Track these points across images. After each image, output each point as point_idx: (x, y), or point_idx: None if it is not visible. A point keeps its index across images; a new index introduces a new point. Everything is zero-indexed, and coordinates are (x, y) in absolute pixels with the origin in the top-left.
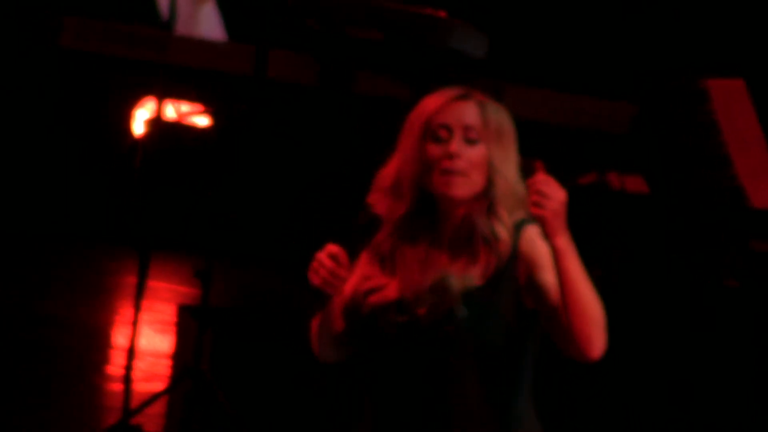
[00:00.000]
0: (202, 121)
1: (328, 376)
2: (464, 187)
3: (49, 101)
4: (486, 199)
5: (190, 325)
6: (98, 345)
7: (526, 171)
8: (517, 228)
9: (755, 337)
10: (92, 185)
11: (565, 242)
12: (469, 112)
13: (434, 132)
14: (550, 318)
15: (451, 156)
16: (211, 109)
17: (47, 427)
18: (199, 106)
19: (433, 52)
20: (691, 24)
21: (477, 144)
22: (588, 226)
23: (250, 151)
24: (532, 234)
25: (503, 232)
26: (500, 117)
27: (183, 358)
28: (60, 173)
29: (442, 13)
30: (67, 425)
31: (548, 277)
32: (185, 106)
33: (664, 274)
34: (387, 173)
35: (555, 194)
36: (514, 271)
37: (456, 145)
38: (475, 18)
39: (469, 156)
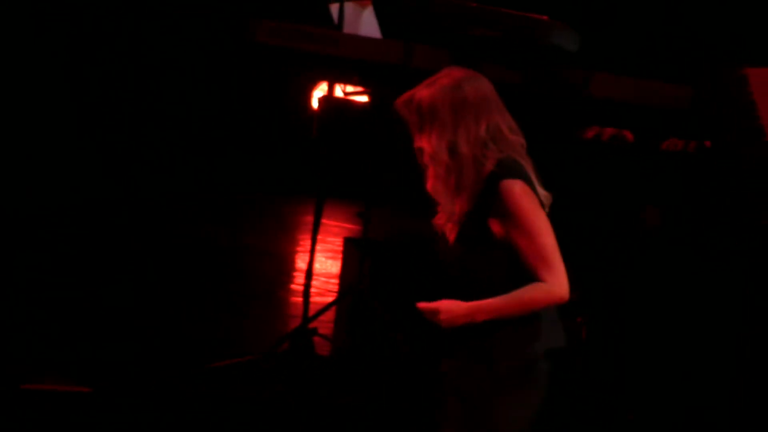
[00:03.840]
0: (363, 99)
1: None
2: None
3: (250, 85)
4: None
5: (354, 254)
6: (285, 268)
7: (618, 140)
8: (494, 180)
9: None
10: (283, 148)
11: (483, 315)
12: (406, 111)
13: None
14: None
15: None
16: (369, 90)
17: (248, 330)
18: (360, 88)
19: (538, 47)
20: (735, 25)
21: (424, 132)
22: (656, 180)
23: (399, 123)
24: (507, 194)
25: (448, 195)
26: (431, 95)
27: (348, 279)
28: (259, 140)
29: (545, 17)
30: (262, 328)
31: (514, 237)
32: (350, 88)
33: (716, 216)
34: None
35: (437, 317)
36: (489, 214)
37: (417, 140)
38: (569, 19)
39: (422, 146)
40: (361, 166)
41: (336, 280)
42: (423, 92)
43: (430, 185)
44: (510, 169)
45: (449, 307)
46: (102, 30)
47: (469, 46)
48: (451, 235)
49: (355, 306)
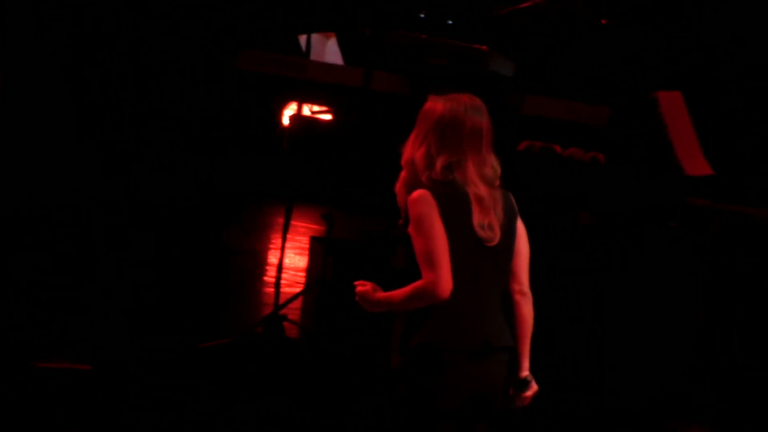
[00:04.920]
0: (327, 117)
1: None
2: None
3: (232, 104)
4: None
5: (319, 251)
6: (259, 263)
7: (547, 153)
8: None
9: (687, 256)
10: (258, 158)
11: (383, 305)
12: None
13: None
14: None
15: None
16: (333, 110)
17: (228, 315)
18: (325, 108)
19: (479, 72)
20: (648, 53)
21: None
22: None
23: (360, 137)
24: (410, 203)
25: (401, 197)
26: (425, 107)
27: (313, 272)
28: (237, 151)
29: (485, 47)
30: (239, 314)
31: (412, 237)
32: (316, 107)
33: (632, 218)
34: None
35: (360, 300)
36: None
37: None
38: (506, 49)
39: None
40: (326, 174)
41: (303, 274)
42: (426, 103)
43: (396, 186)
44: (431, 185)
45: (367, 292)
46: (102, 30)
47: (420, 72)
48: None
49: (320, 296)
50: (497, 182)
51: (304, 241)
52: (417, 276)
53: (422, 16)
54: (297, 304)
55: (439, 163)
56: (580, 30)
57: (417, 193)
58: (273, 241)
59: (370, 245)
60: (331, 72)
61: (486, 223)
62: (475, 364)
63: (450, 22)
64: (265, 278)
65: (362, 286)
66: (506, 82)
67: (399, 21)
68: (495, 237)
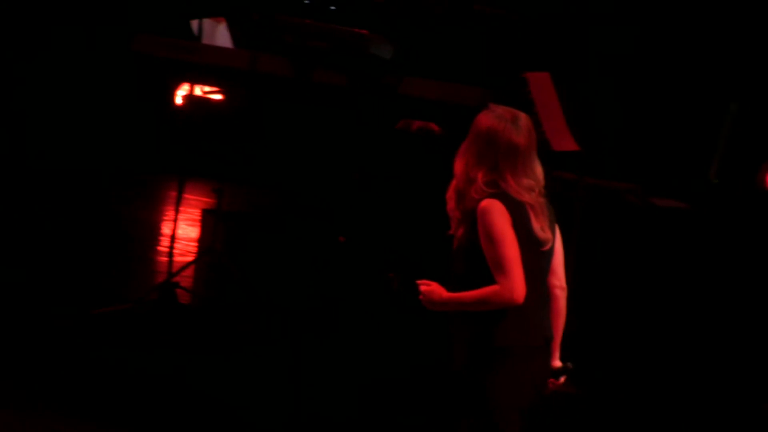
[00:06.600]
0: (217, 97)
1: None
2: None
3: (129, 84)
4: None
5: (210, 222)
6: (153, 233)
7: (424, 131)
8: (477, 203)
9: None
10: (153, 135)
11: (452, 305)
12: None
13: None
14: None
15: None
16: (223, 90)
17: (124, 282)
18: (215, 88)
19: (359, 55)
20: (523, 43)
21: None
22: None
23: (247, 115)
24: (481, 212)
25: (451, 203)
26: (476, 121)
27: (204, 242)
28: (134, 128)
29: (365, 31)
30: (135, 281)
31: (483, 245)
32: (207, 88)
33: None
34: None
35: (421, 295)
36: (476, 226)
37: None
38: (385, 32)
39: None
40: (216, 151)
41: (195, 244)
42: (480, 115)
43: (448, 194)
44: (493, 194)
45: (432, 291)
46: None
47: (304, 55)
48: (455, 240)
49: (210, 264)
50: (540, 190)
51: (195, 213)
52: (477, 280)
53: (307, 2)
54: (189, 272)
55: (480, 177)
56: (455, 15)
57: (487, 201)
58: (167, 213)
59: (258, 216)
60: (221, 54)
61: (541, 227)
62: (541, 359)
63: (333, 8)
64: (159, 248)
65: (426, 286)
66: (385, 64)
67: (285, 7)
68: (550, 240)
